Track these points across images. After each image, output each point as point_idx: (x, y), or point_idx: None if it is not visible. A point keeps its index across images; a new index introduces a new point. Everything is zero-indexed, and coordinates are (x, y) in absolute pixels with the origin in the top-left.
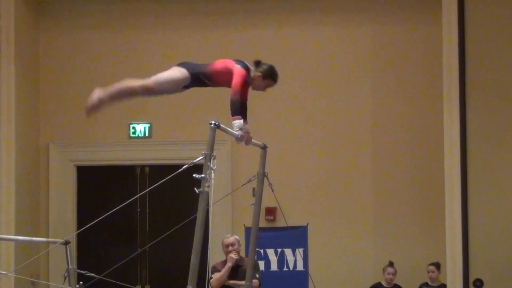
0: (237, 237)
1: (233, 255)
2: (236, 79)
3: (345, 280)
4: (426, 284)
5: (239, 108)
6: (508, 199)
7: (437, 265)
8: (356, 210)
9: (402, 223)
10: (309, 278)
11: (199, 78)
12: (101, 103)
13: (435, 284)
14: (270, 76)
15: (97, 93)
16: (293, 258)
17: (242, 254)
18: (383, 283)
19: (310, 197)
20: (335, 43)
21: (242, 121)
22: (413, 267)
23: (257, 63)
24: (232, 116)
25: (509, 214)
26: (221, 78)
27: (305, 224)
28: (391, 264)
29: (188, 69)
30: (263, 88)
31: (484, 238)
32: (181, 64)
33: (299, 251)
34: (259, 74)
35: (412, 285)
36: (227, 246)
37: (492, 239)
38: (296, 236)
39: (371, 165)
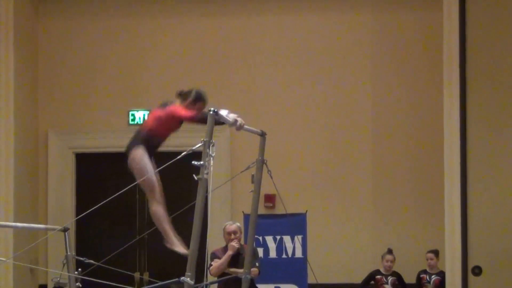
0: (239, 224)
1: (235, 244)
2: (180, 111)
3: (343, 267)
4: (424, 271)
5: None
6: (508, 186)
7: (436, 253)
8: (355, 197)
9: (401, 211)
10: (308, 265)
11: (148, 145)
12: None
13: (433, 272)
14: (199, 98)
15: (180, 249)
16: (292, 245)
17: (241, 241)
18: (382, 270)
19: (309, 184)
20: (336, 28)
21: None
22: (412, 255)
23: (181, 93)
24: (214, 118)
25: (509, 202)
26: (161, 129)
27: (304, 212)
28: (390, 251)
29: (137, 146)
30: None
31: (483, 225)
32: (127, 151)
33: (298, 238)
34: (188, 101)
35: (410, 272)
36: (229, 234)
37: (491, 227)
38: (295, 223)
39: (370, 153)
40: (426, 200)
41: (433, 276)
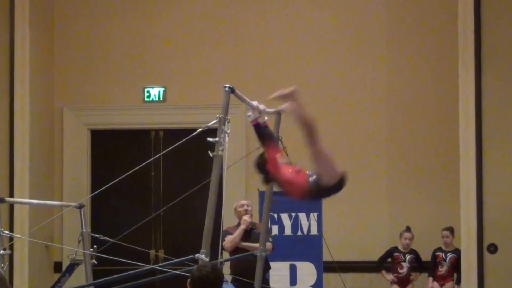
0: (250, 202)
1: (247, 218)
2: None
3: (359, 245)
4: (440, 249)
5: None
6: None
7: (451, 230)
8: (371, 174)
9: (416, 188)
10: (324, 242)
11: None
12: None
13: (449, 249)
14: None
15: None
16: (307, 223)
17: (256, 218)
18: (400, 248)
19: None
20: (350, 3)
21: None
22: (427, 232)
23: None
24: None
25: None
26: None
27: None
28: (408, 229)
29: None
30: None
31: (499, 203)
32: None
33: (314, 216)
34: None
35: (426, 250)
36: (242, 205)
37: (507, 205)
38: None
39: (386, 130)
40: (442, 177)
41: (448, 254)
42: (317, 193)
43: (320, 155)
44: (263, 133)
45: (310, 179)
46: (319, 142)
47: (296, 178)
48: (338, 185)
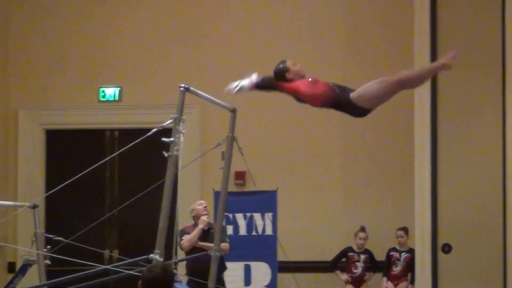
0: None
1: (205, 218)
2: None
3: (314, 245)
4: (394, 249)
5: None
6: (477, 165)
7: (406, 230)
8: (326, 174)
9: (371, 188)
10: (278, 242)
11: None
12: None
13: (403, 249)
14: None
15: None
16: (262, 223)
17: (211, 219)
18: (354, 248)
19: (280, 161)
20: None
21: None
22: (382, 232)
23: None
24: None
25: (478, 180)
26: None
27: (275, 189)
28: (362, 229)
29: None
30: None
31: (453, 203)
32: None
33: (268, 216)
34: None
35: (380, 249)
36: (200, 204)
37: (461, 205)
38: (265, 201)
39: (340, 130)
40: (397, 177)
41: (403, 254)
42: (338, 103)
43: (392, 86)
44: (266, 83)
45: (334, 88)
46: (404, 86)
47: (314, 89)
48: (362, 111)
